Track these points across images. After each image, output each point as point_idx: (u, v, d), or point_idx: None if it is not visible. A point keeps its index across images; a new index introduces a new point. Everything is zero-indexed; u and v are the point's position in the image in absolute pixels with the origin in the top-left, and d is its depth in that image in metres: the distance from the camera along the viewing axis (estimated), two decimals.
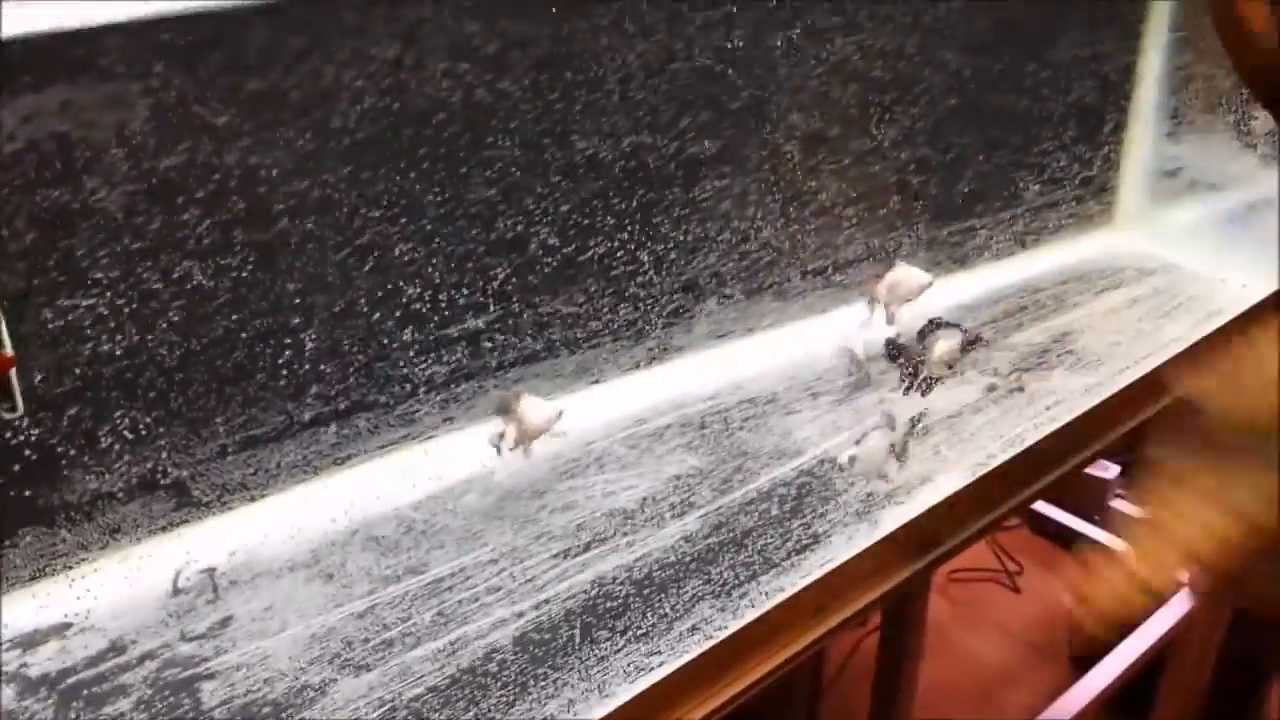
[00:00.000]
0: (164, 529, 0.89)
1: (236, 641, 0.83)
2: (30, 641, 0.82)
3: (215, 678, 0.80)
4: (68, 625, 0.83)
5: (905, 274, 1.16)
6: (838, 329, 1.24)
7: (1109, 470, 1.83)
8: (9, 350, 0.76)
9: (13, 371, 0.77)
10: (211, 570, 0.88)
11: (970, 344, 1.18)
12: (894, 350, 1.16)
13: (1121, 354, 1.26)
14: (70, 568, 0.85)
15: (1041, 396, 1.18)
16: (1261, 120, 1.42)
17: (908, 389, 1.14)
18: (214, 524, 0.91)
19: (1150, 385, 1.24)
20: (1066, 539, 2.00)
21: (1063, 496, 1.94)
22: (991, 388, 1.18)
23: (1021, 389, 1.18)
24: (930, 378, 1.15)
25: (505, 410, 0.99)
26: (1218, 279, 1.44)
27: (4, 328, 0.75)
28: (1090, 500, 1.85)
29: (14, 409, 0.78)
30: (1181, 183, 1.50)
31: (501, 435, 0.99)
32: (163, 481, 0.87)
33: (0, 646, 0.80)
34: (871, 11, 1.12)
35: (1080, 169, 1.40)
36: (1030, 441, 1.11)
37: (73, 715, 0.76)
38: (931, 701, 2.28)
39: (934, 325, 1.15)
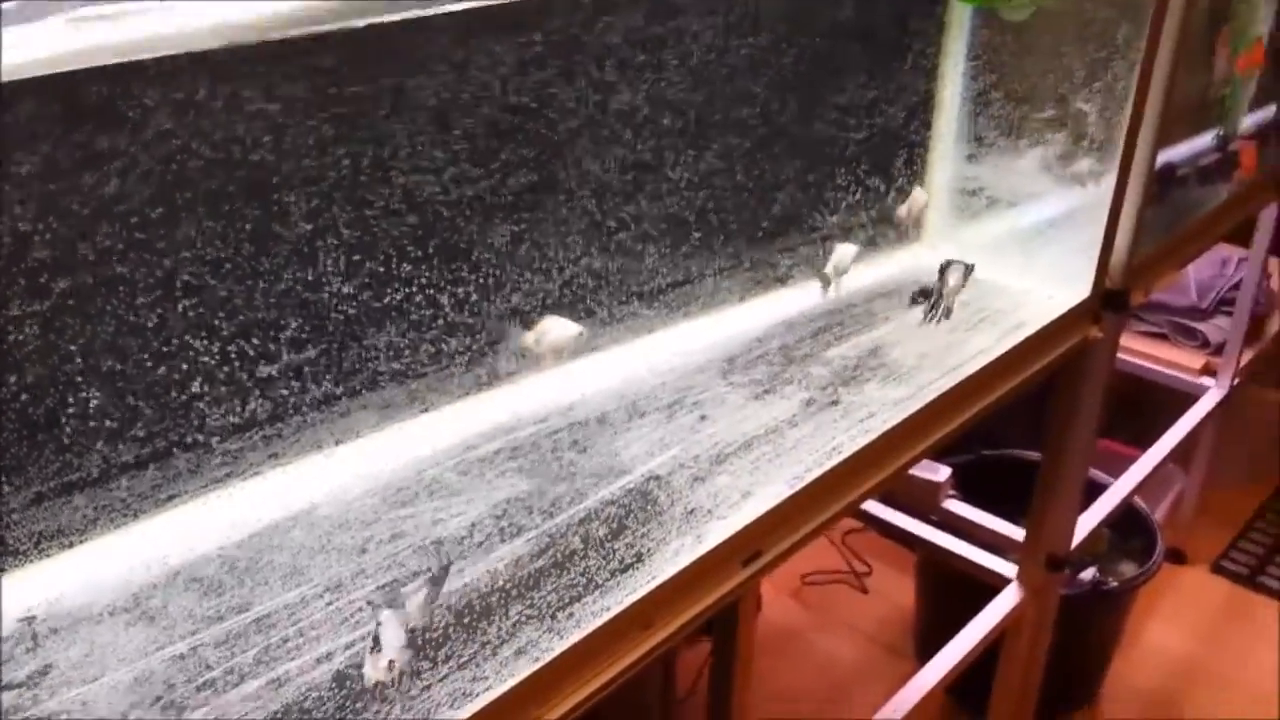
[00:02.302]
0: None
1: (56, 690, 0.83)
2: None
3: None
4: None
5: (918, 194, 1.51)
6: (662, 349, 1.29)
7: (940, 473, 1.91)
8: None
9: None
10: (30, 619, 0.88)
11: (968, 272, 1.41)
12: (920, 293, 1.44)
13: (931, 365, 1.33)
14: None
15: (856, 409, 1.24)
16: (1055, 143, 1.52)
17: (930, 317, 1.41)
18: (32, 572, 0.90)
19: (959, 395, 1.31)
20: (909, 540, 2.09)
21: (897, 500, 2.02)
22: (809, 402, 1.24)
23: (837, 402, 1.24)
24: (948, 306, 1.40)
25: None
26: (1022, 291, 1.53)
27: None
28: (923, 502, 1.93)
29: None
30: (982, 201, 1.59)
31: (523, 354, 1.07)
32: None
33: None
34: (678, 50, 1.17)
35: (886, 190, 1.48)
36: (846, 453, 1.17)
37: None
38: (787, 703, 2.35)
39: (949, 263, 1.40)
